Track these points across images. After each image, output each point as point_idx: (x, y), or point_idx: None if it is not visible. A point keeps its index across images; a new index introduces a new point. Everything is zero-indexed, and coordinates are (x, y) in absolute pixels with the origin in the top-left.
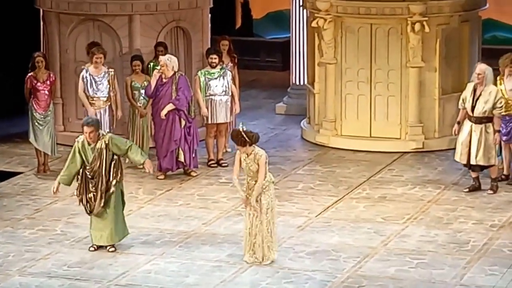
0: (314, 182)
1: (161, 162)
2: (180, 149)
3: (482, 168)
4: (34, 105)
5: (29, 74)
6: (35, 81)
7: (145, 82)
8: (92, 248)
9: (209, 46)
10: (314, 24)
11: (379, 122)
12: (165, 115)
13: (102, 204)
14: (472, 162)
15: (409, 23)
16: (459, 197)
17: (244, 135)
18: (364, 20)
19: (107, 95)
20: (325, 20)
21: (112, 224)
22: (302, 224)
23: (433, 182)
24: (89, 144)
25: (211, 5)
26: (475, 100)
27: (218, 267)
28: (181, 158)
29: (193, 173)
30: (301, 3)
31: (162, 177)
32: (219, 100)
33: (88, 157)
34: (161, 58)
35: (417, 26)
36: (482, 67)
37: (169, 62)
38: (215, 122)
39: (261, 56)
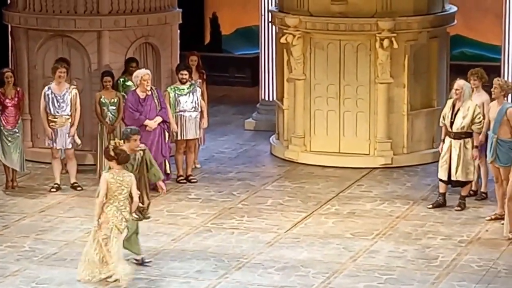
0: (283, 198)
1: None
2: (166, 161)
3: (461, 184)
4: (2, 121)
5: None
6: (3, 97)
7: (114, 99)
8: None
9: (178, 62)
10: (283, 40)
11: (348, 138)
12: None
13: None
14: (452, 178)
15: (378, 39)
16: (427, 212)
17: (112, 151)
18: (333, 36)
19: (69, 113)
20: (294, 36)
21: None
22: (271, 240)
23: (402, 198)
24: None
25: (180, 21)
26: (453, 115)
27: (187, 283)
28: (168, 170)
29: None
30: (270, 19)
31: None
32: (188, 116)
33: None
34: (146, 71)
35: (386, 42)
36: (460, 83)
37: (150, 76)
38: (184, 138)
39: (230, 72)
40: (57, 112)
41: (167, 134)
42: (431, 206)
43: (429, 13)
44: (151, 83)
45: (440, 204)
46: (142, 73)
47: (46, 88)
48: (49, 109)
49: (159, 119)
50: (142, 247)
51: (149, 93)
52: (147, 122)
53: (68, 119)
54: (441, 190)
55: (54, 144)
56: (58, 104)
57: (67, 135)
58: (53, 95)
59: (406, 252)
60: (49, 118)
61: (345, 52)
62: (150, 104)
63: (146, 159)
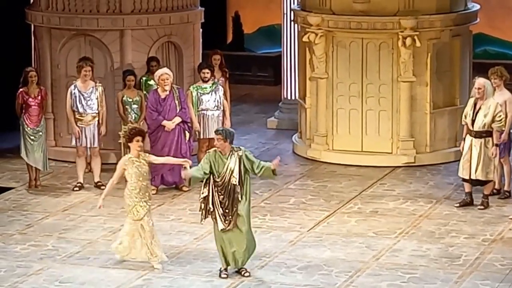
0: (306, 196)
1: (164, 176)
2: None
3: (481, 183)
4: (26, 120)
5: (21, 89)
6: (27, 96)
7: (137, 97)
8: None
9: (201, 60)
10: (305, 38)
11: (371, 137)
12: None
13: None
14: (472, 176)
15: (400, 37)
16: (450, 211)
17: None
18: (356, 35)
19: (96, 111)
20: (317, 34)
21: (247, 242)
22: (294, 239)
23: (425, 197)
24: (221, 154)
25: (203, 20)
26: (475, 114)
27: (210, 282)
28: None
29: (184, 188)
30: (292, 18)
31: (153, 192)
32: (211, 115)
33: (218, 167)
34: (164, 71)
35: (408, 41)
36: (481, 81)
37: (172, 74)
38: (207, 137)
39: (252, 71)
40: (85, 111)
41: (187, 133)
42: (458, 205)
43: (452, 11)
44: (173, 82)
45: (467, 203)
46: (160, 73)
47: (72, 86)
48: (76, 108)
49: (177, 119)
50: (165, 246)
51: (169, 92)
52: (165, 122)
53: (95, 117)
54: (467, 190)
55: (81, 143)
56: (86, 102)
57: (93, 133)
58: (79, 94)
59: (429, 251)
60: (76, 116)
61: (367, 51)
62: (170, 104)
63: (245, 160)
